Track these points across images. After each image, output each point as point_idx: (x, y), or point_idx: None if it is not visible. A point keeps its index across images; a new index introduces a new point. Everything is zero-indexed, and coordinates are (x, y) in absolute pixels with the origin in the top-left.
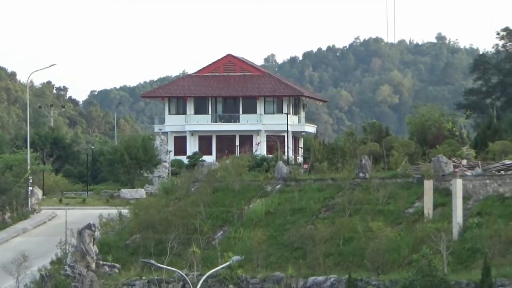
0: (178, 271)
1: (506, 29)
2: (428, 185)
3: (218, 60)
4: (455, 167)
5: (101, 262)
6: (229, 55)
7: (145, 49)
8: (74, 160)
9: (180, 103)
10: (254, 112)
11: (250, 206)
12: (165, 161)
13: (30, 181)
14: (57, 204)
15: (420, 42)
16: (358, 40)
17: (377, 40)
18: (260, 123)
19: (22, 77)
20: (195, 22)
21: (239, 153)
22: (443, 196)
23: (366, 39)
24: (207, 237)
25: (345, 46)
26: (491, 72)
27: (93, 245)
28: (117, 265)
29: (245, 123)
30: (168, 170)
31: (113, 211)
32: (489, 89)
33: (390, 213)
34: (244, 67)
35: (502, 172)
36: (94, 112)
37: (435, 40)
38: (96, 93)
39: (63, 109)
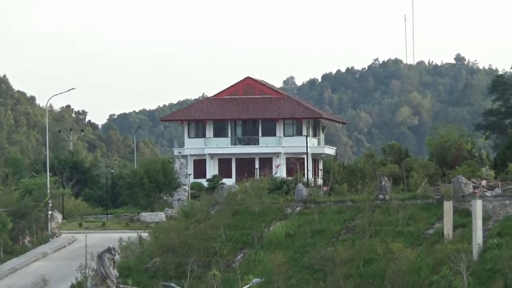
0: None
1: None
2: (448, 206)
3: (237, 83)
4: (474, 188)
5: (121, 286)
6: (248, 78)
7: (164, 73)
8: (94, 184)
9: (199, 126)
10: (274, 134)
11: (270, 228)
12: (184, 184)
13: (50, 205)
14: (77, 228)
15: (439, 63)
16: (377, 62)
17: (396, 62)
18: (279, 145)
19: (41, 101)
20: (214, 45)
21: (259, 175)
22: (463, 217)
23: (385, 60)
24: (227, 260)
25: (364, 68)
26: (510, 93)
27: (113, 268)
28: None
29: (265, 145)
30: (188, 193)
31: (133, 235)
32: (509, 110)
33: (410, 235)
34: (263, 90)
35: None
36: (113, 136)
37: (454, 61)
38: (115, 117)
39: (82, 133)
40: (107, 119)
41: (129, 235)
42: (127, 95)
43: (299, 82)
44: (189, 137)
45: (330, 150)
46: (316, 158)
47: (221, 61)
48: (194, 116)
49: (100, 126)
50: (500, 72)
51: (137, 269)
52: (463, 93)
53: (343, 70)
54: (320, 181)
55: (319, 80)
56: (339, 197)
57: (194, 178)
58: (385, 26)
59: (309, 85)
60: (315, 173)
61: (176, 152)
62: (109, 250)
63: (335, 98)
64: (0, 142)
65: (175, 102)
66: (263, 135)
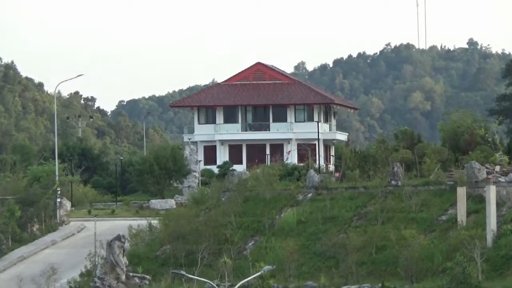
0: (209, 281)
1: None
2: (461, 192)
3: (248, 68)
4: (488, 173)
5: (131, 274)
6: (258, 63)
7: (173, 58)
8: (103, 171)
9: (209, 112)
10: (285, 120)
11: (282, 215)
12: (195, 171)
13: (59, 192)
14: (86, 215)
15: (451, 48)
16: (389, 47)
17: (408, 47)
18: (290, 131)
19: (49, 88)
20: (223, 30)
21: (270, 162)
22: (477, 203)
23: (397, 45)
24: (238, 247)
25: (376, 53)
26: None
27: (123, 256)
28: (148, 276)
29: (276, 131)
30: (198, 180)
31: (142, 222)
32: None
33: (423, 221)
34: (274, 75)
35: None
36: (122, 122)
37: (466, 46)
38: (125, 103)
39: (91, 119)
40: (116, 106)
41: (139, 223)
42: (136, 81)
43: (310, 67)
44: (199, 123)
45: (341, 136)
46: (327, 144)
47: (231, 47)
48: (204, 102)
49: (109, 113)
50: None
51: (147, 257)
52: (476, 78)
53: (354, 55)
54: (331, 167)
55: (331, 65)
56: (351, 183)
57: (204, 164)
58: (397, 10)
59: (320, 71)
60: (326, 159)
61: (186, 139)
62: (118, 237)
63: (346, 84)
64: (8, 129)
65: (184, 88)
66: (274, 121)
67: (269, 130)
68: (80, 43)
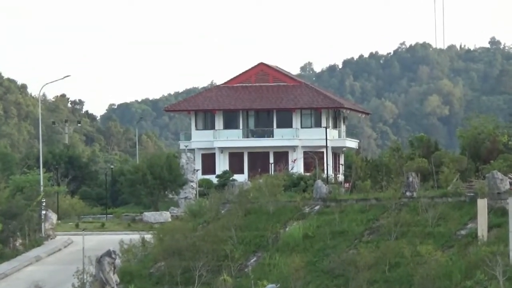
0: None
1: None
2: (482, 204)
3: (250, 69)
4: (511, 184)
5: None
6: (261, 64)
7: (169, 59)
8: (92, 181)
9: (208, 117)
10: (290, 126)
11: (286, 229)
12: (192, 181)
13: (44, 204)
14: (74, 229)
15: (472, 48)
16: (403, 46)
17: (425, 46)
18: (296, 138)
19: (33, 90)
20: (223, 27)
21: (274, 171)
22: (499, 216)
23: (413, 44)
24: (239, 264)
25: (390, 53)
26: None
27: (114, 274)
28: None
29: (280, 138)
30: (196, 191)
31: (135, 237)
32: None
33: (441, 236)
34: (278, 77)
35: None
36: (113, 128)
37: (488, 45)
38: (116, 107)
39: (79, 124)
40: (106, 110)
41: (131, 237)
42: (128, 83)
43: (317, 68)
44: (196, 129)
45: (352, 143)
46: (336, 152)
47: (231, 46)
48: (202, 106)
49: (99, 117)
50: None
51: (139, 274)
52: (498, 80)
53: (366, 55)
54: (341, 177)
55: (340, 66)
56: (362, 195)
57: (202, 174)
58: (412, 6)
59: (328, 72)
60: (335, 169)
61: (182, 146)
62: (109, 253)
63: (357, 86)
64: None
65: (181, 90)
66: (278, 126)
67: (272, 136)
68: (67, 41)
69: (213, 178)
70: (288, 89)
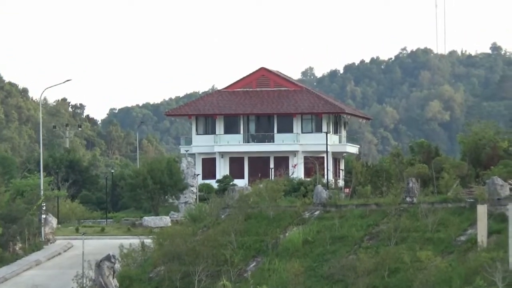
0: None
1: None
2: (482, 210)
3: (251, 74)
4: (511, 190)
5: None
6: (262, 69)
7: (170, 63)
8: (92, 185)
9: (208, 122)
10: (291, 131)
11: (286, 234)
12: (192, 186)
13: (44, 208)
14: (73, 233)
15: (473, 53)
16: (404, 51)
17: (426, 51)
18: (297, 143)
19: (34, 94)
20: (224, 32)
21: (274, 176)
22: (499, 223)
23: (414, 50)
24: (239, 269)
25: (391, 58)
26: None
27: (113, 278)
28: None
29: (281, 143)
30: (196, 196)
31: (135, 241)
32: None
33: (440, 242)
34: (279, 82)
35: None
36: (114, 132)
37: (489, 51)
38: (116, 111)
39: (80, 129)
40: (107, 114)
41: (131, 242)
42: (129, 87)
43: (318, 73)
44: (197, 133)
45: (352, 149)
46: (337, 157)
47: (233, 50)
48: (203, 110)
49: (100, 122)
50: None
51: (139, 278)
52: (499, 86)
53: (367, 60)
54: (341, 183)
55: (341, 72)
56: (362, 200)
57: (203, 178)
58: (413, 12)
59: (329, 77)
60: (336, 174)
61: (183, 150)
62: (108, 258)
63: (358, 91)
64: None
65: (182, 95)
66: (278, 131)
67: (273, 141)
68: (68, 45)
69: (213, 183)
70: (289, 94)
